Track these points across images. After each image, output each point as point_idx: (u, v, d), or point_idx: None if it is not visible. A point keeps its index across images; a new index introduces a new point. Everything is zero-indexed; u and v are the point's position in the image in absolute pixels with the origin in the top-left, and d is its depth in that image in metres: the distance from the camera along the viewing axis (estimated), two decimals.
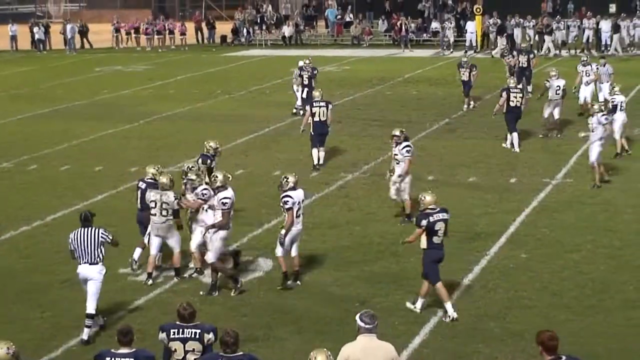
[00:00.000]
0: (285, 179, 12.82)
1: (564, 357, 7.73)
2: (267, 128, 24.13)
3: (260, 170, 19.60)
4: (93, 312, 11.19)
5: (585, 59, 24.80)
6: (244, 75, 35.95)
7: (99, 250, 11.16)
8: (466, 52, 41.52)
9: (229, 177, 13.13)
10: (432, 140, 22.29)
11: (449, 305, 11.57)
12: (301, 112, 24.27)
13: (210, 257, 12.66)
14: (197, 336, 8.68)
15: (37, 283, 13.26)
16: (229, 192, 12.70)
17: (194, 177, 13.36)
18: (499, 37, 41.36)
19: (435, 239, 11.53)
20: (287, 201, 12.60)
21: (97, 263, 11.15)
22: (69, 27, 48.58)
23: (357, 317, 8.40)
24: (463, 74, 26.06)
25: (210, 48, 47.80)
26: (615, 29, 40.15)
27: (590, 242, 14.39)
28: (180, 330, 8.72)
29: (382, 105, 27.65)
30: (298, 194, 12.74)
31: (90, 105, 29.19)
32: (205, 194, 12.95)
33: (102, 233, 11.22)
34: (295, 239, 12.84)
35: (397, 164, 15.53)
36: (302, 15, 51.00)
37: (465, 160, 20.07)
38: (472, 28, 42.46)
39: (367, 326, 8.33)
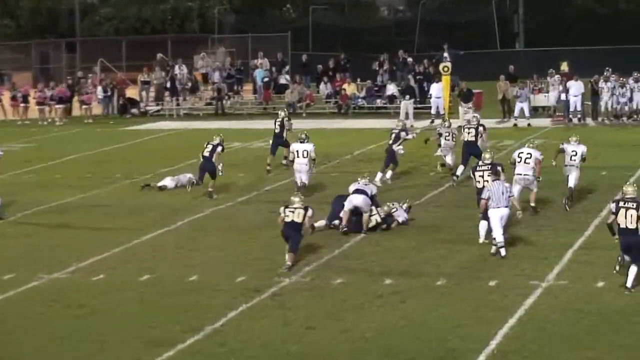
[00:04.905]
0: None
1: None
2: (180, 221, 23.95)
3: (171, 275, 19.43)
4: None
5: None
6: (150, 153, 35.90)
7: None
8: (432, 121, 41.42)
9: None
10: (392, 232, 22.34)
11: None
12: None
13: None
14: None
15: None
16: None
17: None
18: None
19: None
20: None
21: None
22: None
23: None
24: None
25: (107, 120, 47.84)
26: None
27: None
28: None
29: (328, 189, 27.27)
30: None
31: None
32: None
33: None
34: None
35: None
36: (222, 77, 50.92)
37: (431, 257, 20.06)
38: (438, 92, 42.25)
39: None
